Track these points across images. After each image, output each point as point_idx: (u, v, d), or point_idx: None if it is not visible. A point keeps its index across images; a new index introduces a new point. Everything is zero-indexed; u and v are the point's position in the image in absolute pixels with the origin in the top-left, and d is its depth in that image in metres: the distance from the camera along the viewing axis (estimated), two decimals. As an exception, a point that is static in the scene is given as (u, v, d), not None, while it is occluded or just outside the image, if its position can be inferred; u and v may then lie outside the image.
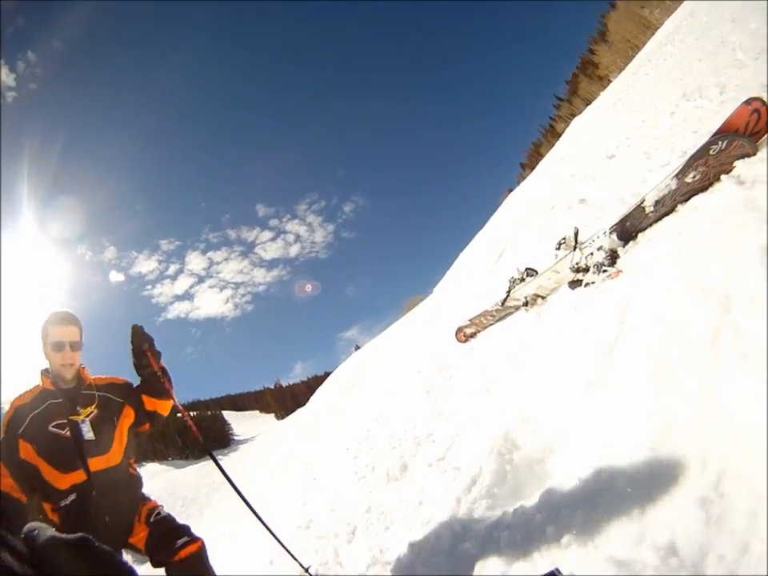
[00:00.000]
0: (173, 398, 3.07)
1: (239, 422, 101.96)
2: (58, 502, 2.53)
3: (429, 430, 4.34)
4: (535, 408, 2.87)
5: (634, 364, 2.33)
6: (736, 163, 2.92)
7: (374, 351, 25.08)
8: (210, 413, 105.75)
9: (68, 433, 2.58)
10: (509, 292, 4.56)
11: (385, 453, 4.94)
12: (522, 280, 4.53)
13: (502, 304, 4.66)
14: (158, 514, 2.78)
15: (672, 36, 21.44)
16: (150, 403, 2.92)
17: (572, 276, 3.68)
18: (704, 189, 3.08)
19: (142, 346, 2.89)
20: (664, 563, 1.43)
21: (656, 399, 2.02)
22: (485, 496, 2.61)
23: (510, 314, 4.82)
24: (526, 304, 4.32)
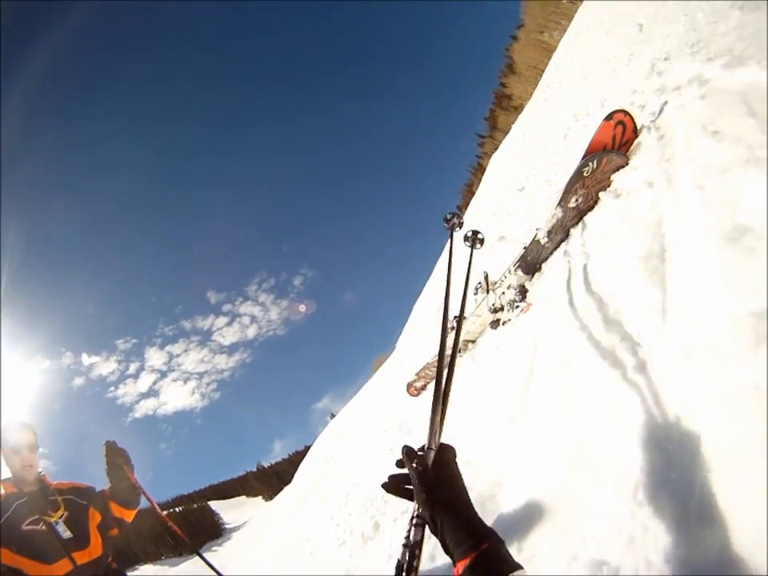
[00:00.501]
0: (153, 504, 3.20)
1: (227, 510, 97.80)
2: None
3: (395, 486, 4.35)
4: (475, 449, 2.98)
5: (545, 394, 2.47)
6: (613, 177, 3.01)
7: (348, 417, 24.63)
8: (195, 505, 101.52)
9: (43, 527, 2.68)
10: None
11: (360, 515, 5.00)
12: (453, 328, 4.65)
13: (439, 355, 4.70)
14: None
15: (563, 58, 22.12)
16: (118, 511, 3.04)
17: (491, 317, 3.80)
18: (590, 208, 3.18)
19: (118, 461, 3.02)
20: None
21: (566, 423, 2.14)
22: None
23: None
24: (459, 351, 4.40)
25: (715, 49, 3.02)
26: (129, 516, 3.11)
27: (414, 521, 1.08)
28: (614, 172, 3.04)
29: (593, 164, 2.96)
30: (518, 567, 0.88)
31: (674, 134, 2.64)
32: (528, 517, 2.10)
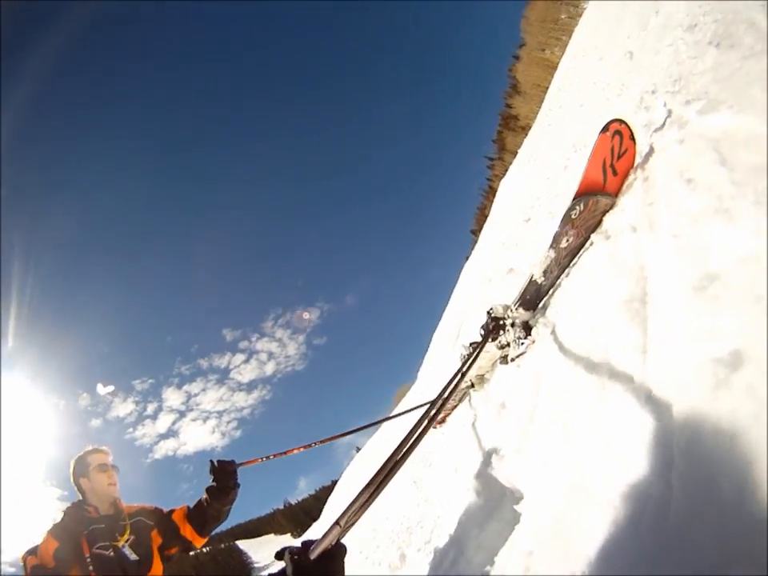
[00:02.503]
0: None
1: (256, 549, 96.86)
2: None
3: (418, 517, 4.54)
4: (489, 480, 3.13)
5: (548, 426, 2.61)
6: (604, 218, 3.11)
7: (373, 449, 24.42)
8: (223, 545, 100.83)
9: (111, 553, 2.77)
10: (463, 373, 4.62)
11: (387, 547, 5.15)
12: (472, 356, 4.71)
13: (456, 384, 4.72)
14: None
15: (564, 80, 21.84)
16: (191, 534, 3.15)
17: (500, 353, 3.89)
18: (581, 246, 3.28)
19: (229, 484, 3.19)
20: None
21: (566, 454, 2.28)
22: (465, 566, 2.89)
23: (466, 394, 4.93)
24: (472, 386, 4.52)
25: (693, 89, 3.08)
26: (199, 542, 3.22)
27: None
28: (602, 212, 3.13)
29: (579, 207, 3.04)
30: None
31: (656, 178, 2.74)
32: (525, 537, 2.29)
